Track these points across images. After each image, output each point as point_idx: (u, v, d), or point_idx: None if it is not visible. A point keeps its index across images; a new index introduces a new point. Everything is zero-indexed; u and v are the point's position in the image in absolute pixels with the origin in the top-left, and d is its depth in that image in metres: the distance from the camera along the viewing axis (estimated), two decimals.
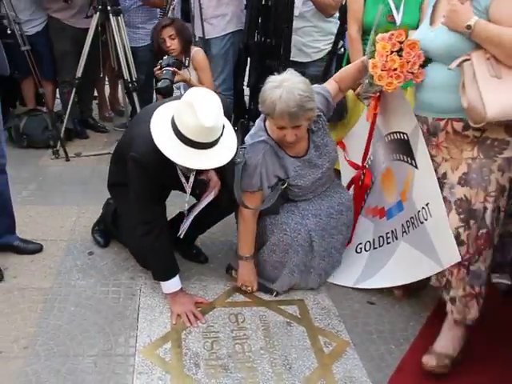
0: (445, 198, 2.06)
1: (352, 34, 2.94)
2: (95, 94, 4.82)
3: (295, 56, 3.49)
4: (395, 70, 2.10)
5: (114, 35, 3.74)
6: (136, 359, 2.08)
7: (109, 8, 3.63)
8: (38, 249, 2.72)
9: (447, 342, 2.10)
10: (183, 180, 2.28)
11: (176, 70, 3.09)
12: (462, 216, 2.01)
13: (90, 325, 2.25)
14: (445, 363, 2.03)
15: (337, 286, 2.61)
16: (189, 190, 2.31)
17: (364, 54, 2.45)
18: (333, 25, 3.56)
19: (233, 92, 3.81)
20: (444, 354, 2.05)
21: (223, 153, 2.07)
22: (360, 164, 2.67)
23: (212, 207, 2.42)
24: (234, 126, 3.21)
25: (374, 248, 2.63)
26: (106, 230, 2.83)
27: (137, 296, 2.44)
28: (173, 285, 2.34)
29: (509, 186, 2.01)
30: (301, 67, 3.18)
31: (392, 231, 2.52)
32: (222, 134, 2.05)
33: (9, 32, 3.66)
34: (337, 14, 3.52)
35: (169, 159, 2.02)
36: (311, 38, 3.59)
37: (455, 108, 1.93)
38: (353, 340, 2.26)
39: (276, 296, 2.51)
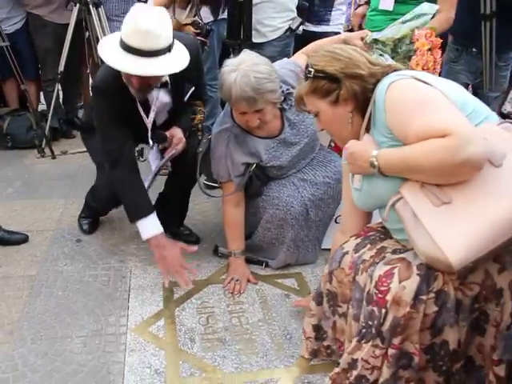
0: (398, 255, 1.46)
1: None
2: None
3: None
4: (428, 68, 2.17)
5: (95, 28, 3.67)
6: (128, 337, 1.99)
7: (88, 0, 3.56)
8: (23, 239, 2.62)
9: None
10: (142, 114, 2.19)
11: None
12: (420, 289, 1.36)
13: (78, 307, 2.15)
14: None
15: None
16: (149, 126, 2.22)
17: None
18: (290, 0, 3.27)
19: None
20: None
21: (170, 64, 1.97)
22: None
23: (173, 178, 2.46)
24: None
25: None
26: (92, 216, 2.75)
27: (127, 278, 2.35)
28: (150, 226, 2.18)
29: None
30: (256, 48, 2.90)
31: None
32: (170, 51, 1.96)
33: None
34: None
35: (125, 83, 2.02)
36: (265, 14, 3.22)
37: None
38: None
39: (266, 267, 2.43)
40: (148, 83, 2.06)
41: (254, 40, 3.09)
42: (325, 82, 1.50)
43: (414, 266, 1.35)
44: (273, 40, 3.31)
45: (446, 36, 2.87)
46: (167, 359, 1.88)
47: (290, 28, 3.30)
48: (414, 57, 2.23)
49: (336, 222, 2.63)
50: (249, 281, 2.33)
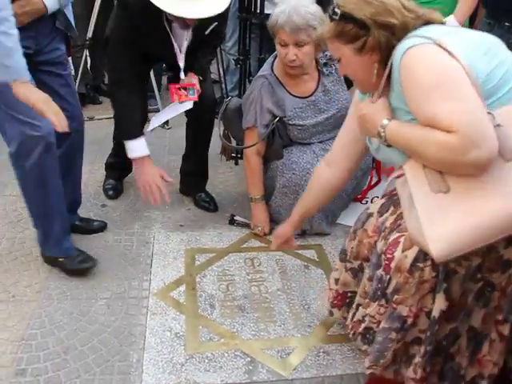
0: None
1: None
2: None
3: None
4: None
5: None
6: (150, 301, 2.04)
7: None
8: (103, 226, 2.49)
9: None
10: (175, 45, 2.20)
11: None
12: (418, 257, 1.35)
13: (102, 270, 2.20)
14: None
15: None
16: (182, 56, 2.23)
17: None
18: None
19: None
20: None
21: (213, 4, 1.97)
22: None
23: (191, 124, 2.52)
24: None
25: None
26: (115, 176, 2.81)
27: (150, 244, 2.39)
28: (138, 148, 2.26)
29: None
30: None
31: None
32: None
33: None
34: None
35: (157, 10, 1.92)
36: None
37: None
38: None
39: None
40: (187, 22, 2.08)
41: (268, 11, 2.87)
42: (351, 27, 1.35)
43: None
44: None
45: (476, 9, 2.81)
46: (187, 324, 1.93)
47: None
48: None
49: (361, 202, 2.64)
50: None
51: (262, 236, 2.45)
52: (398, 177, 1.36)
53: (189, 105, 2.33)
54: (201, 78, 2.34)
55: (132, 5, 2.07)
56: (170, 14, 2.02)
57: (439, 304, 1.34)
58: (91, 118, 3.97)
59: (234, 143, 2.67)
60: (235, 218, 2.57)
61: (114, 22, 2.22)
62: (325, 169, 1.79)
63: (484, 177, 1.18)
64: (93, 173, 3.05)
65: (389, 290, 1.40)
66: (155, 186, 2.24)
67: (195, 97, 2.31)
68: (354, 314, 1.62)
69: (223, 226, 2.54)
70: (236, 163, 3.05)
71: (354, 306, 1.65)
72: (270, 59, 2.39)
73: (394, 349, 1.44)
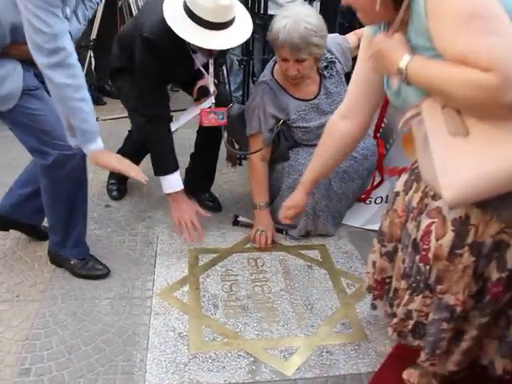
0: (437, 211, 1.36)
1: None
2: None
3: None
4: None
5: None
6: (153, 301, 2.04)
7: None
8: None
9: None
10: (204, 71, 2.20)
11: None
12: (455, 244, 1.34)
13: None
14: None
15: (359, 232, 2.53)
16: (211, 80, 2.23)
17: None
18: None
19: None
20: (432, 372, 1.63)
21: (239, 33, 2.00)
22: None
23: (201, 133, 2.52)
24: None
25: (387, 202, 2.60)
26: (119, 179, 2.80)
27: (154, 244, 2.40)
28: (173, 182, 2.27)
29: None
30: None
31: None
32: (234, 17, 1.98)
33: None
34: None
35: (181, 42, 1.95)
36: None
37: None
38: None
39: (287, 234, 2.47)
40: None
41: (271, 12, 2.92)
42: None
43: (448, 222, 1.34)
44: None
45: None
46: (190, 323, 1.93)
47: None
48: None
49: (365, 203, 2.64)
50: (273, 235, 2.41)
51: (261, 247, 2.37)
52: (411, 118, 1.25)
53: (209, 102, 2.32)
54: (215, 80, 2.34)
55: (156, 41, 2.04)
56: (195, 45, 2.02)
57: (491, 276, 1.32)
58: (95, 119, 3.98)
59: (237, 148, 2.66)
60: (239, 218, 2.57)
61: (140, 61, 2.15)
62: (341, 122, 1.63)
63: (505, 122, 1.09)
64: (97, 173, 3.06)
65: (431, 280, 1.40)
66: (191, 224, 2.25)
67: (224, 121, 2.32)
68: (395, 314, 1.58)
69: (227, 227, 2.55)
70: (240, 164, 3.05)
71: (391, 293, 1.63)
72: (271, 63, 2.39)
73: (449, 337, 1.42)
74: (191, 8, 1.92)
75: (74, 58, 1.69)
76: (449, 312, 1.38)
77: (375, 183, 2.71)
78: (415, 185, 1.47)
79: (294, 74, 2.20)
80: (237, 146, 2.62)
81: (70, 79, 1.67)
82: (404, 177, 1.55)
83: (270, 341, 1.87)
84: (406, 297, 1.50)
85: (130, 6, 3.73)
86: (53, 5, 1.60)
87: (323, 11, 3.04)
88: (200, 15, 1.90)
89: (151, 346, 1.83)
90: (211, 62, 2.21)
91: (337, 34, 2.46)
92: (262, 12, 2.81)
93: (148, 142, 2.29)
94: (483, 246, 1.30)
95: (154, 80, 2.16)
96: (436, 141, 1.16)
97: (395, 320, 1.57)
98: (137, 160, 2.48)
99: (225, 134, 2.49)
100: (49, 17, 1.59)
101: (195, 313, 1.99)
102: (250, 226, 2.50)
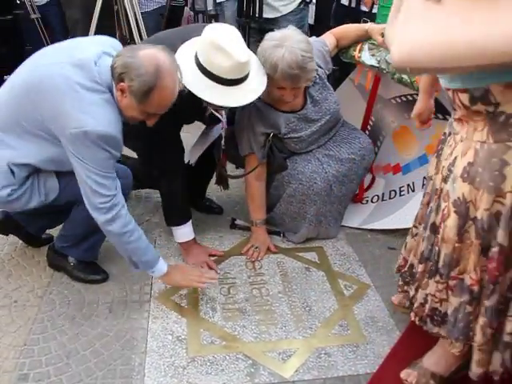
0: (447, 194, 1.41)
1: None
2: None
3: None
4: None
5: (124, 1, 3.67)
6: (151, 305, 2.05)
7: None
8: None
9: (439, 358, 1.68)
10: (219, 116, 2.14)
11: None
12: (459, 224, 1.38)
13: None
14: None
15: (356, 234, 2.54)
16: (224, 126, 2.20)
17: None
18: None
19: None
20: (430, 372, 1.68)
21: (255, 87, 1.97)
22: None
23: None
24: None
25: (383, 200, 2.65)
26: None
27: None
28: (185, 233, 2.27)
29: None
30: (270, 24, 2.88)
31: (408, 185, 2.55)
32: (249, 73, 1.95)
33: (18, 2, 3.64)
34: None
35: (194, 98, 1.89)
36: None
37: (452, 75, 1.30)
38: (374, 283, 2.19)
39: (284, 237, 2.48)
40: None
41: (266, 15, 2.94)
42: None
43: (450, 204, 1.39)
44: (287, 14, 3.20)
45: None
46: (189, 327, 1.94)
47: (303, 0, 3.20)
48: None
49: (362, 203, 2.65)
50: (269, 250, 2.38)
51: (255, 259, 2.33)
52: None
53: (219, 129, 2.29)
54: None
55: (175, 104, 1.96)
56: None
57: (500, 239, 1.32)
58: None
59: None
60: (236, 221, 2.57)
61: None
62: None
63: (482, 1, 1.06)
64: None
65: (440, 264, 1.42)
66: (206, 266, 2.25)
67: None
68: (416, 297, 1.61)
69: (224, 230, 2.55)
70: (237, 167, 3.05)
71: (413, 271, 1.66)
72: None
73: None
74: (207, 67, 1.86)
75: (125, 208, 1.82)
76: (468, 293, 1.41)
77: (368, 183, 2.74)
78: (437, 166, 1.51)
79: (291, 100, 2.17)
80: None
81: (125, 228, 1.81)
82: (434, 160, 1.59)
83: (269, 343, 1.87)
84: (424, 280, 1.55)
85: (126, 10, 3.72)
86: (110, 170, 1.75)
87: (318, 15, 3.06)
88: (217, 74, 1.85)
89: (149, 350, 1.83)
90: (225, 111, 2.18)
91: (315, 38, 2.39)
92: (257, 15, 2.82)
93: (162, 192, 2.27)
94: (483, 222, 1.33)
95: (173, 138, 2.14)
96: (409, 2, 1.16)
97: (416, 304, 1.61)
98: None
99: (216, 157, 2.41)
100: (107, 179, 1.74)
101: (193, 316, 1.99)
102: (247, 228, 2.51)
